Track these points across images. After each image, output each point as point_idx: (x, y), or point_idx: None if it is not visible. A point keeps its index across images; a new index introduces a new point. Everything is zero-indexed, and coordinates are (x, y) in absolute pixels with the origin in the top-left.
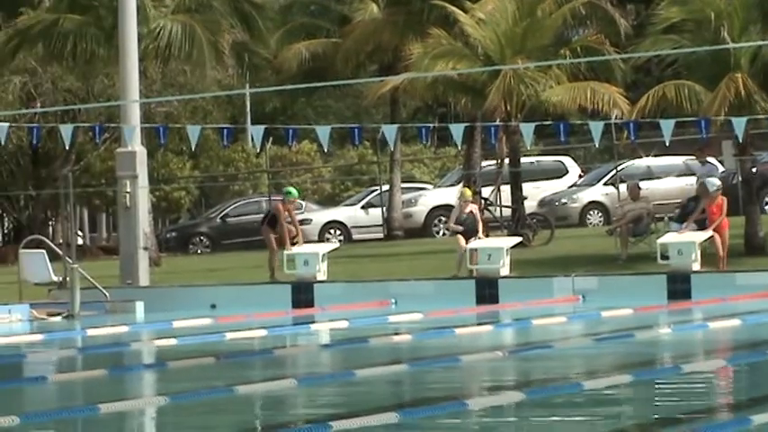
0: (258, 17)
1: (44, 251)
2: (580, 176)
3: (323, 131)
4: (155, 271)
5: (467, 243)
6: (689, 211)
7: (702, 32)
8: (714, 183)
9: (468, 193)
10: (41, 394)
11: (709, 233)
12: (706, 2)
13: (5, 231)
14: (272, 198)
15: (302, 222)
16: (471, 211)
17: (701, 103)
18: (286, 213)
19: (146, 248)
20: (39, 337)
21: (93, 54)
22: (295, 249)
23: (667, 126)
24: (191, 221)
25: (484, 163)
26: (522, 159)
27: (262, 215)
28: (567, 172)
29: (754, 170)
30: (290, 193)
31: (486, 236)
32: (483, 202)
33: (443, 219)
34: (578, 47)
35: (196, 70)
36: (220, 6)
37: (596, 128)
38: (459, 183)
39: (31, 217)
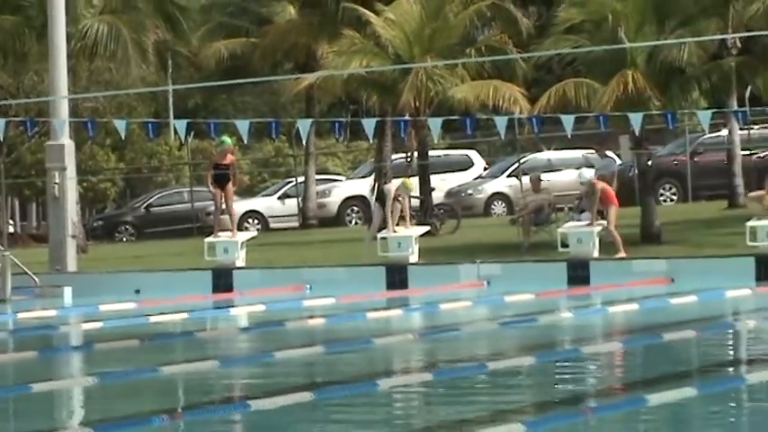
0: (181, 17)
1: None
2: (485, 169)
3: (242, 126)
4: (82, 258)
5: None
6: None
7: (600, 32)
8: (584, 174)
9: (411, 184)
10: None
11: (604, 222)
12: (604, 4)
13: None
14: (194, 189)
15: (221, 212)
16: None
17: (598, 99)
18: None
19: (74, 236)
20: None
21: (24, 52)
22: (212, 238)
23: (568, 121)
24: (116, 211)
25: (394, 156)
26: (430, 153)
27: (184, 205)
28: (473, 165)
29: (649, 163)
30: (224, 141)
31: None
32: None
33: (355, 209)
34: (483, 46)
35: (121, 68)
36: (145, 7)
37: (500, 123)
38: (370, 175)
39: None
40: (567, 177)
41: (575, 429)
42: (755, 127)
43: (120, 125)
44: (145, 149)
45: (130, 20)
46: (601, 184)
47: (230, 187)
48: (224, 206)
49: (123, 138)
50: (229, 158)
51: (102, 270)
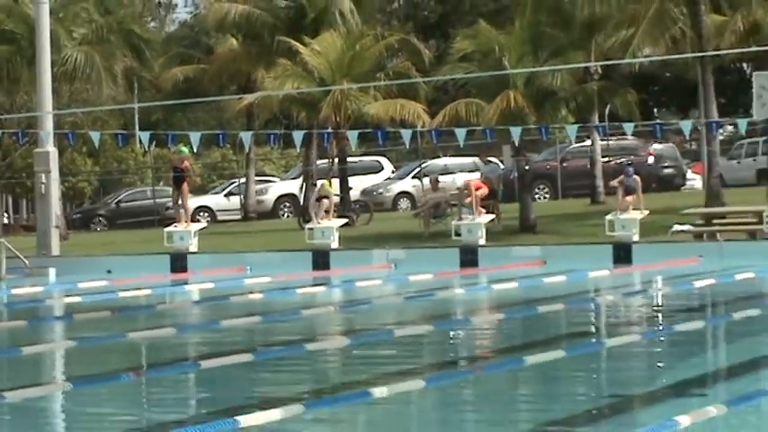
0: (145, 48)
1: None
2: (393, 172)
3: (194, 137)
4: (64, 244)
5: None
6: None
7: (487, 61)
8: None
9: (328, 185)
10: None
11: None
12: (490, 37)
13: None
14: (156, 187)
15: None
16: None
17: (486, 116)
18: (187, 164)
19: (57, 227)
20: None
21: (17, 76)
22: (171, 228)
23: (460, 133)
24: (92, 206)
25: (319, 161)
26: (348, 159)
27: (148, 201)
28: (383, 168)
29: (527, 167)
30: (182, 150)
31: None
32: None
33: (287, 204)
34: (391, 71)
35: (95, 89)
36: (115, 40)
37: (406, 134)
38: (299, 177)
39: None
40: (460, 179)
41: (466, 385)
42: (613, 138)
43: (94, 136)
44: (115, 156)
45: (103, 50)
46: (472, 182)
47: (185, 187)
48: (180, 202)
49: (97, 146)
50: (185, 164)
51: (80, 254)
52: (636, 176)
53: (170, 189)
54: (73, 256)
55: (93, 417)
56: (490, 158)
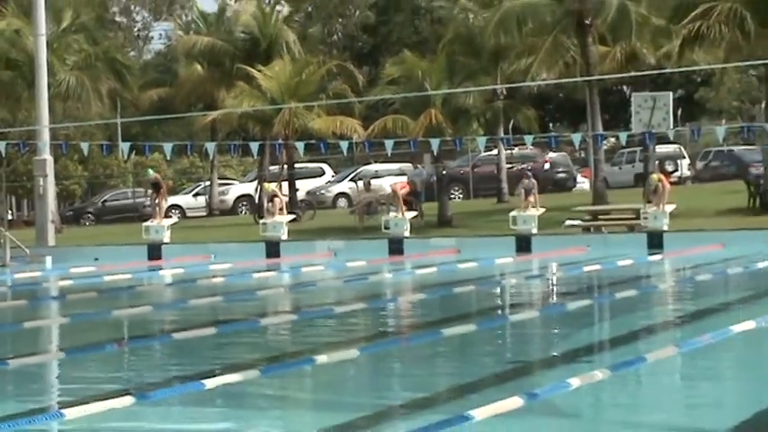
0: (126, 73)
1: None
2: (332, 176)
3: (167, 147)
4: (58, 236)
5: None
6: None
7: (412, 84)
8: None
9: (270, 187)
10: None
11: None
12: (414, 64)
13: None
14: (135, 189)
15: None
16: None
17: (411, 129)
18: (157, 178)
19: (53, 222)
20: None
21: (18, 96)
22: (148, 223)
23: (389, 144)
24: (82, 204)
25: (271, 167)
26: (296, 165)
27: (128, 200)
28: (324, 173)
29: (444, 172)
30: (148, 173)
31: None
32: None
33: (245, 203)
34: (331, 92)
35: (85, 106)
36: (101, 66)
37: (344, 145)
38: (255, 180)
39: None
40: (388, 182)
41: (394, 353)
42: (516, 149)
43: (84, 146)
44: (101, 163)
45: (91, 74)
46: (398, 185)
47: (163, 191)
48: (157, 201)
49: (86, 155)
50: (156, 179)
51: (72, 245)
52: (533, 180)
53: (149, 170)
54: (66, 246)
55: (82, 380)
56: (416, 165)
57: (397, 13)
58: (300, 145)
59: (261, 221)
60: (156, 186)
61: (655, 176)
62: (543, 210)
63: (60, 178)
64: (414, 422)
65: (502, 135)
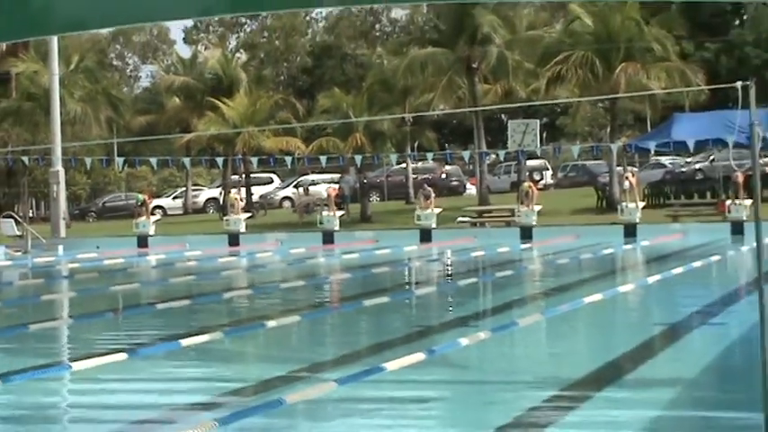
0: (120, 105)
1: (12, 220)
2: (280, 183)
3: (153, 161)
4: (68, 230)
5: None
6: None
7: (340, 113)
8: (318, 190)
9: (232, 196)
10: (9, 293)
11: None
12: (341, 98)
13: None
14: (128, 194)
15: (143, 204)
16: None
17: (340, 147)
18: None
19: (64, 218)
20: (9, 263)
21: (36, 122)
22: (138, 219)
23: (323, 159)
24: (86, 205)
25: (233, 177)
26: (253, 174)
27: (122, 202)
28: (273, 181)
29: (365, 181)
30: (138, 198)
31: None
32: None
33: (212, 204)
34: (279, 119)
35: (88, 130)
36: (100, 99)
37: (288, 159)
38: (220, 186)
39: (5, 202)
40: (323, 187)
41: (326, 319)
42: (420, 163)
43: (87, 161)
44: (101, 173)
45: (93, 105)
46: (331, 190)
47: (148, 204)
48: (143, 210)
49: (89, 167)
50: (143, 201)
51: (79, 236)
52: (430, 189)
53: (138, 195)
54: (74, 237)
55: (87, 341)
56: (344, 175)
57: (329, 59)
58: (255, 159)
59: (224, 218)
60: (142, 203)
61: (526, 184)
62: (440, 209)
63: (69, 185)
64: (342, 372)
65: (409, 152)
